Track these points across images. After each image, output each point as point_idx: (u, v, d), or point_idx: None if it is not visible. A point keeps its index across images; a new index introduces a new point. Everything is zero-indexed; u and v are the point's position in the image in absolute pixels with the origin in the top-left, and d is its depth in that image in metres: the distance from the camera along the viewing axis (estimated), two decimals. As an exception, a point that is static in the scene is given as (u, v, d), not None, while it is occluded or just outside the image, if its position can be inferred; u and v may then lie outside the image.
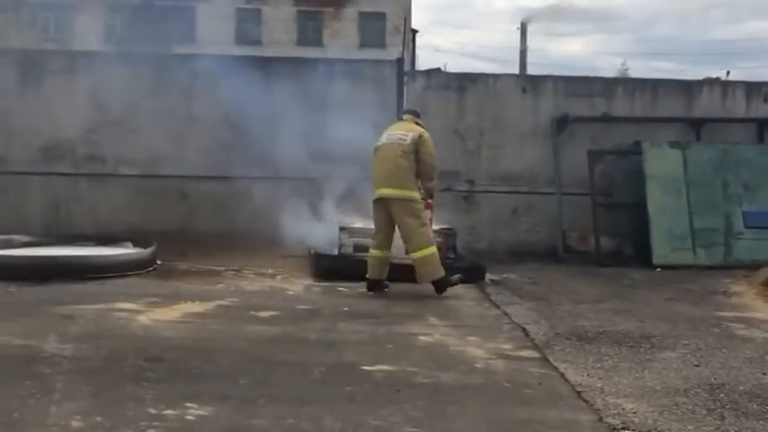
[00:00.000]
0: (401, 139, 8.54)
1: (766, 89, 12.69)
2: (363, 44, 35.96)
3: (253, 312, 7.49)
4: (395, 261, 8.86)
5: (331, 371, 5.70)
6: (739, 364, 6.22)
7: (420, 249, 8.41)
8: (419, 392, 5.25)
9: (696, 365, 6.15)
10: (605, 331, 7.18)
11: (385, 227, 8.57)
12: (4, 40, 26.15)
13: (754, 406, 5.19)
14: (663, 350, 6.59)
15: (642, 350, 6.58)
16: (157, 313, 7.24)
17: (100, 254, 9.09)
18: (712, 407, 5.14)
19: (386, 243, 8.58)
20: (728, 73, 13.41)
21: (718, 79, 13.62)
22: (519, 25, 40.25)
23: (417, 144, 8.49)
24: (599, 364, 6.09)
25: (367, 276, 8.65)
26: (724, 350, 6.63)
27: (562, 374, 5.80)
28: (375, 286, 8.64)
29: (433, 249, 8.46)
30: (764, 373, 5.97)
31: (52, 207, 11.67)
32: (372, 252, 8.63)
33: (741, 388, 5.58)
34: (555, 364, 6.06)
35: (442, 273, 8.50)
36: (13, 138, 11.73)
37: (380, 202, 8.51)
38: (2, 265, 8.56)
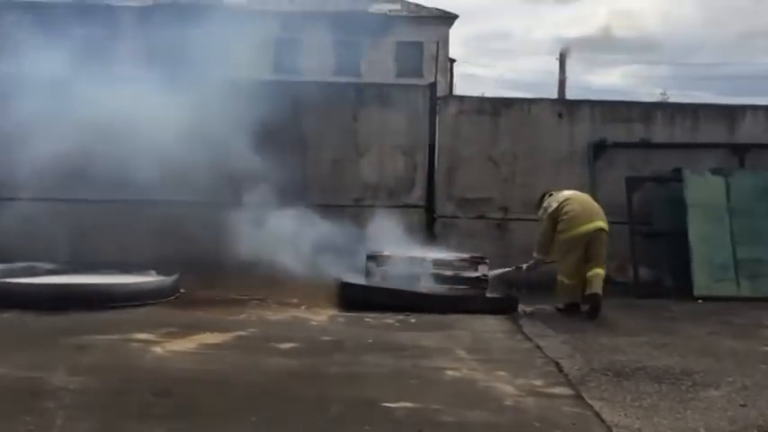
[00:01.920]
0: None
1: (813, 113, 12.20)
2: (400, 74, 35.87)
3: (272, 344, 7.20)
4: (420, 291, 8.60)
5: (350, 408, 5.40)
6: (789, 404, 5.80)
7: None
8: (442, 432, 4.92)
9: (742, 405, 5.75)
10: (644, 367, 6.79)
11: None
12: None
13: (806, 450, 4.78)
14: (706, 388, 6.19)
15: (683, 388, 6.18)
16: (173, 344, 6.99)
17: (119, 282, 8.85)
18: (761, 452, 4.74)
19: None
20: None
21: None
22: (558, 55, 39.89)
23: None
24: (637, 403, 5.72)
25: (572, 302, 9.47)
26: (772, 388, 6.21)
27: (597, 414, 5.44)
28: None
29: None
30: (816, 415, 5.54)
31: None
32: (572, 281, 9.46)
33: (791, 431, 5.16)
34: (590, 402, 5.70)
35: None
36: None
37: (587, 235, 9.47)
38: (19, 293, 8.35)
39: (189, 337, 7.28)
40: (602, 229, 9.51)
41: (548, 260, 9.71)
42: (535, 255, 9.72)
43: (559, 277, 9.52)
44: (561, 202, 9.56)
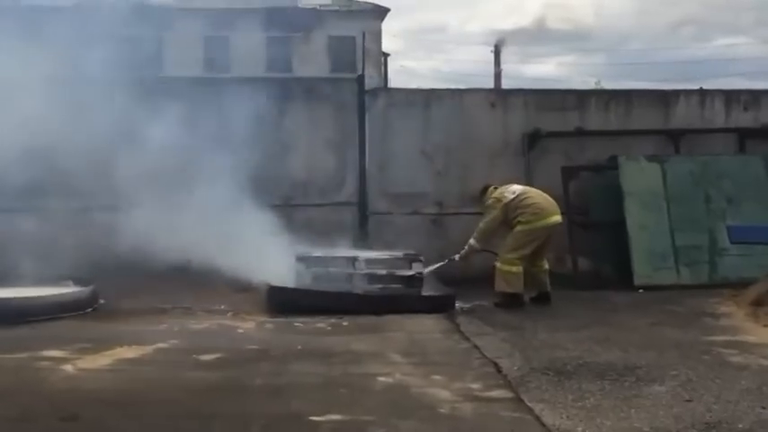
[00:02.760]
0: None
1: (745, 98, 12.16)
2: (334, 69, 35.41)
3: (194, 356, 6.76)
4: (355, 292, 8.25)
5: (273, 424, 5.02)
6: (735, 396, 5.56)
7: None
8: (372, 448, 4.57)
9: (688, 401, 5.48)
10: (585, 363, 6.50)
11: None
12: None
13: (757, 448, 4.51)
14: (650, 383, 5.91)
15: (627, 384, 5.90)
16: (86, 361, 6.51)
17: (30, 295, 8.27)
18: (710, 451, 4.46)
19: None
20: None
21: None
22: (493, 48, 39.81)
23: None
24: (579, 403, 5.42)
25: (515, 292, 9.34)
26: (717, 381, 5.97)
27: (538, 418, 5.12)
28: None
29: None
30: (764, 408, 5.31)
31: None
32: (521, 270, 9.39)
33: (740, 426, 4.94)
34: (530, 404, 5.38)
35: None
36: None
37: (551, 228, 9.57)
38: None
39: (103, 352, 6.79)
40: (560, 223, 9.71)
41: (484, 249, 9.55)
42: (472, 242, 9.51)
43: (507, 267, 9.31)
44: (519, 194, 9.52)
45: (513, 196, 9.48)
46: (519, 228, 9.36)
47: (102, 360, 6.56)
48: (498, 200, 9.50)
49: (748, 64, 51.48)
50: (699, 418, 5.08)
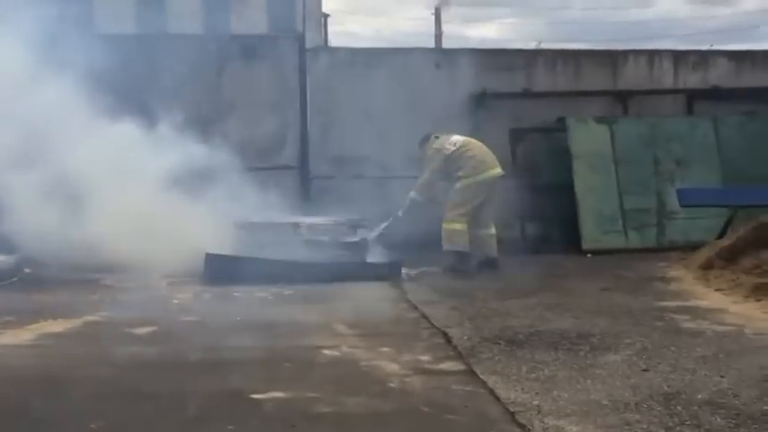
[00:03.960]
0: None
1: (694, 59, 12.02)
2: (273, 29, 34.66)
3: (126, 329, 6.34)
4: (295, 260, 7.99)
5: (211, 402, 4.64)
6: (692, 365, 5.35)
7: None
8: (318, 427, 4.28)
9: (644, 370, 5.25)
10: (538, 332, 6.26)
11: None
12: None
13: (718, 420, 4.31)
14: (605, 352, 5.68)
15: (582, 353, 5.66)
16: (6, 336, 6.07)
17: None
18: (670, 424, 4.24)
19: None
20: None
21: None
22: (433, 10, 39.42)
23: None
24: (534, 375, 5.15)
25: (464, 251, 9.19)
26: (673, 349, 5.75)
27: (491, 391, 4.84)
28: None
29: None
30: (722, 376, 5.09)
31: None
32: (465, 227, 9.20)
33: (699, 397, 4.70)
34: (482, 377, 5.09)
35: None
36: None
37: (492, 181, 9.37)
38: None
39: (26, 326, 6.35)
40: (501, 175, 9.50)
41: (429, 202, 9.38)
42: (413, 195, 9.36)
43: (451, 225, 9.17)
44: (460, 146, 9.36)
45: (453, 148, 9.32)
46: (460, 183, 9.23)
47: (24, 335, 6.12)
48: (438, 150, 9.35)
49: (690, 26, 51.89)
50: (656, 389, 4.86)
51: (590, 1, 65.00)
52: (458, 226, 9.17)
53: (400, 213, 9.41)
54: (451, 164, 9.24)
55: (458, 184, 9.21)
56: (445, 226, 9.19)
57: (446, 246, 9.20)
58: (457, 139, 9.45)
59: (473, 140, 9.57)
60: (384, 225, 9.46)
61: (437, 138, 9.48)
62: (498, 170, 9.40)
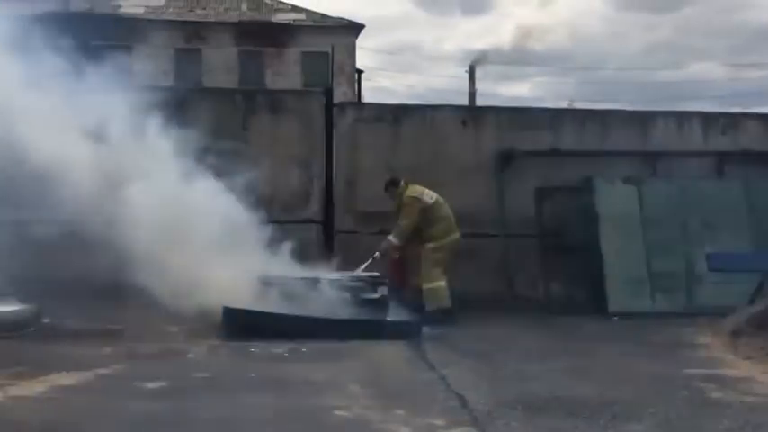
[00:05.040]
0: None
1: (724, 121, 11.87)
2: (307, 84, 35.04)
3: (137, 383, 6.24)
4: (314, 315, 8.19)
5: (215, 463, 4.51)
6: (718, 438, 5.14)
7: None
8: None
9: (668, 442, 5.05)
10: (557, 397, 6.07)
11: None
12: None
13: (743, 498, 4.09)
14: (627, 422, 5.48)
15: (602, 422, 5.46)
16: (20, 387, 5.97)
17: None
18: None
19: None
20: None
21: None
22: (467, 69, 39.65)
23: None
24: (550, 444, 4.96)
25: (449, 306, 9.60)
26: (698, 420, 5.56)
27: (505, 460, 4.66)
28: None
29: None
30: (749, 451, 4.88)
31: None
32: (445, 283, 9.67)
33: (725, 472, 4.49)
34: (497, 444, 4.92)
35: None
36: None
37: (456, 244, 9.88)
38: None
39: (39, 378, 6.26)
40: (460, 240, 9.98)
41: (402, 246, 9.74)
42: (392, 239, 9.64)
43: (433, 284, 9.62)
44: (435, 202, 9.83)
45: (431, 201, 9.78)
46: (433, 244, 9.67)
47: (36, 387, 6.03)
48: (418, 200, 9.74)
49: (721, 88, 51.76)
50: (680, 462, 4.67)
51: (624, 61, 65.26)
52: (440, 283, 9.61)
53: (377, 255, 9.62)
54: (426, 217, 9.66)
55: (431, 245, 9.66)
56: (428, 286, 9.61)
57: (430, 306, 9.58)
58: (431, 193, 9.86)
59: (440, 198, 9.95)
60: (366, 264, 9.57)
61: (407, 184, 9.92)
62: (459, 234, 9.90)
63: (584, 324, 9.63)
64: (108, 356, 7.24)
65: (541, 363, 7.38)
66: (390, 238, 9.64)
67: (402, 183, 9.93)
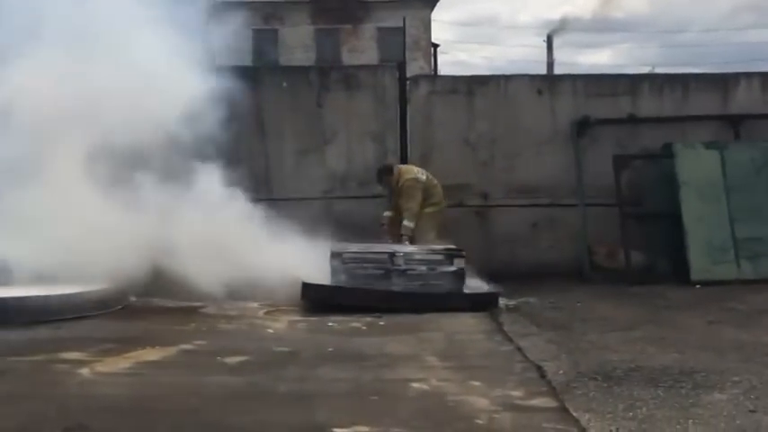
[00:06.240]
0: None
1: (810, 80, 11.43)
2: (383, 60, 35.03)
3: (219, 358, 6.37)
4: (393, 289, 8.32)
5: (293, 436, 4.58)
6: (805, 406, 5.00)
7: None
8: (398, 465, 4.15)
9: (752, 411, 4.94)
10: (638, 367, 5.99)
11: None
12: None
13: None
14: (709, 391, 5.38)
15: (684, 391, 5.37)
16: (105, 364, 6.15)
17: (50, 294, 7.93)
18: (777, 471, 3.95)
19: None
20: None
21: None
22: (545, 38, 39.06)
23: None
24: (630, 413, 4.90)
25: None
26: (784, 388, 5.40)
27: (584, 430, 4.64)
28: None
29: None
30: (839, 419, 4.74)
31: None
32: None
33: (812, 442, 4.37)
34: (575, 414, 4.88)
35: None
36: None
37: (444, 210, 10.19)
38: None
39: (125, 354, 6.44)
40: None
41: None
42: (407, 224, 9.77)
43: None
44: (428, 176, 10.08)
45: (425, 177, 10.01)
46: (430, 209, 9.93)
47: (122, 363, 6.21)
48: (417, 180, 9.94)
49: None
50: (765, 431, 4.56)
51: (709, 24, 63.35)
52: None
53: (406, 241, 9.66)
54: (426, 193, 9.92)
55: (428, 209, 9.91)
56: None
57: None
58: (421, 170, 10.15)
59: (428, 173, 10.20)
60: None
61: (399, 167, 10.15)
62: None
63: (665, 293, 9.48)
64: (190, 333, 7.40)
65: (622, 333, 7.28)
66: (406, 223, 9.72)
67: (395, 168, 10.15)
